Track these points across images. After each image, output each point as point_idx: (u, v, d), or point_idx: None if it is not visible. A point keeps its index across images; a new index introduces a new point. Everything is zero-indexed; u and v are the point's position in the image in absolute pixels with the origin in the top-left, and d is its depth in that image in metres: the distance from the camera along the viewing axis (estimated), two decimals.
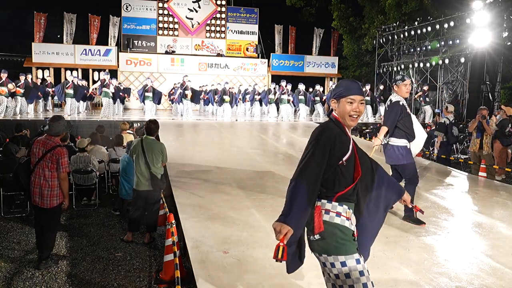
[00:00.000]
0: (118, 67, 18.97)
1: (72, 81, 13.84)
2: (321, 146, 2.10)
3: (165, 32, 20.03)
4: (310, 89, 16.74)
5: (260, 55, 20.93)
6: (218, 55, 20.26)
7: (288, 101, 15.46)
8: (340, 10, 21.96)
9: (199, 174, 6.66)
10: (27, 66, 18.05)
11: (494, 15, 14.45)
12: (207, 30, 20.49)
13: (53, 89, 14.82)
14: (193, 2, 20.08)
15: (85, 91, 14.61)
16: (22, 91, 13.27)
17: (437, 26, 16.25)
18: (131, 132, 9.40)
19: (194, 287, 3.32)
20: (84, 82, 15.79)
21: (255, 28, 20.96)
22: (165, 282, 3.90)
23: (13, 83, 12.86)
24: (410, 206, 2.55)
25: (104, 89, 13.55)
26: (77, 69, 18.42)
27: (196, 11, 20.13)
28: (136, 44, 19.59)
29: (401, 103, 4.53)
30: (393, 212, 4.85)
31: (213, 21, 20.47)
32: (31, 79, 14.80)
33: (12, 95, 13.08)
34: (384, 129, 4.56)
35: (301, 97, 15.47)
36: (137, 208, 5.13)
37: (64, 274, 4.25)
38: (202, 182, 6.15)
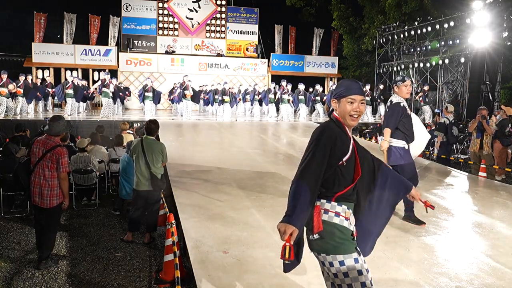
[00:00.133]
0: (118, 67, 18.97)
1: (72, 81, 13.84)
2: (321, 147, 2.11)
3: (165, 32, 20.04)
4: (310, 89, 16.75)
5: (260, 55, 20.93)
6: (218, 55, 20.27)
7: (288, 101, 15.47)
8: (340, 10, 21.95)
9: (199, 174, 6.66)
10: (27, 66, 18.06)
11: (494, 15, 14.45)
12: (207, 30, 20.49)
13: (53, 89, 14.83)
14: (193, 2, 20.08)
15: (85, 92, 14.60)
16: (22, 91, 13.28)
17: (437, 26, 16.25)
18: (131, 132, 9.40)
19: (194, 287, 3.32)
20: (84, 82, 15.79)
21: (255, 28, 20.96)
22: (165, 282, 3.89)
23: (14, 84, 12.87)
24: (421, 203, 2.47)
25: (104, 89, 13.55)
26: (77, 69, 18.42)
27: (196, 11, 20.13)
28: (136, 44, 19.59)
29: (401, 104, 4.54)
30: (393, 212, 4.84)
31: (213, 21, 20.47)
32: (31, 79, 14.79)
33: (13, 95, 13.09)
34: (388, 131, 4.54)
35: (301, 97, 15.48)
36: (137, 208, 5.13)
37: (64, 274, 4.25)
38: (202, 182, 6.15)
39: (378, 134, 12.39)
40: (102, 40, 19.29)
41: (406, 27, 18.16)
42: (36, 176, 4.28)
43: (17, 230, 5.58)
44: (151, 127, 5.11)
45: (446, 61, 15.89)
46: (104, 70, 18.18)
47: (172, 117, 15.55)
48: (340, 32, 22.41)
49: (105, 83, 13.60)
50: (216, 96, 15.52)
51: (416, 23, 17.44)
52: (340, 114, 2.24)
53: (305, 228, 2.16)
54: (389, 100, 4.69)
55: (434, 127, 11.19)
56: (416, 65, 17.25)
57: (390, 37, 19.15)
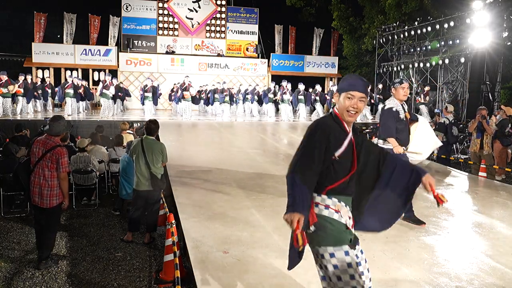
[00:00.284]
0: (118, 67, 18.96)
1: (72, 81, 13.83)
2: (314, 140, 2.17)
3: (165, 32, 20.03)
4: (310, 89, 16.75)
5: (260, 55, 20.92)
6: (218, 55, 20.26)
7: (288, 101, 15.46)
8: (340, 10, 21.95)
9: (199, 174, 6.66)
10: (27, 66, 18.06)
11: (494, 15, 14.44)
12: (207, 30, 20.49)
13: (56, 88, 14.82)
14: (193, 2, 20.08)
15: (81, 92, 14.50)
16: (22, 91, 13.28)
17: (437, 26, 16.24)
18: (131, 132, 9.41)
19: (194, 287, 3.32)
20: (84, 82, 15.77)
21: (255, 28, 20.95)
22: (165, 282, 3.90)
23: (14, 84, 12.87)
24: (435, 194, 2.30)
25: (104, 90, 13.56)
26: (77, 69, 18.44)
27: (196, 11, 20.13)
28: (136, 44, 19.59)
29: (394, 109, 4.47)
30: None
31: (213, 21, 20.47)
32: (31, 79, 14.79)
33: (13, 95, 13.08)
34: (392, 140, 4.44)
35: (301, 97, 15.48)
36: (137, 208, 5.13)
37: (64, 274, 4.25)
38: (202, 182, 6.16)
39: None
40: (102, 40, 19.29)
41: (406, 27, 18.15)
42: (36, 176, 4.28)
43: (17, 230, 5.58)
44: (151, 127, 5.11)
45: (446, 61, 15.88)
46: (104, 70, 18.21)
47: (172, 117, 15.55)
48: (340, 32, 22.41)
49: (105, 85, 13.61)
50: (216, 95, 15.52)
51: (416, 23, 17.43)
52: (339, 108, 2.27)
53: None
54: (383, 105, 4.68)
55: (434, 127, 11.19)
56: (416, 65, 17.25)
57: (390, 37, 19.14)
